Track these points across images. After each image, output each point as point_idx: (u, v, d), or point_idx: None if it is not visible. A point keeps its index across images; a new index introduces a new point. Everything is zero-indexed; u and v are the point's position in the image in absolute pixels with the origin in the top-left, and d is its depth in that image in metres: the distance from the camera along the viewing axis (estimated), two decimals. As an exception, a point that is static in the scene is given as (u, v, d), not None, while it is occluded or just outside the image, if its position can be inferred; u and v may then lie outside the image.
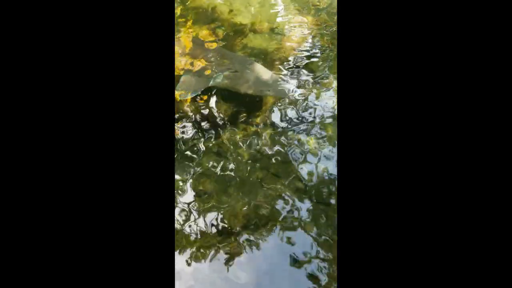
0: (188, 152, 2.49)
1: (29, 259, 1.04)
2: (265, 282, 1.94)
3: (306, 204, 2.24)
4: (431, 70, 1.08)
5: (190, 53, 2.93)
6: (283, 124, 2.67)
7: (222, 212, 2.20)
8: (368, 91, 1.12)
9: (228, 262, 2.01)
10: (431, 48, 1.09)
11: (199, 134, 2.60)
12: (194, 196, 2.28)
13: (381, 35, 1.12)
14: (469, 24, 1.07)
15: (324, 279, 1.95)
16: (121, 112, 1.13)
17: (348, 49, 1.15)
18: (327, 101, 2.78)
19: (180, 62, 2.86)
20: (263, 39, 3.30)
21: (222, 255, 2.04)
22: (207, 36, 3.19)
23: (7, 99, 1.07)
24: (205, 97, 2.78)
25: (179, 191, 2.30)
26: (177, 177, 2.35)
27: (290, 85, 2.89)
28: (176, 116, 2.66)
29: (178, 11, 3.43)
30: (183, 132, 2.59)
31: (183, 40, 3.05)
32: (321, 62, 3.11)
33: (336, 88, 2.84)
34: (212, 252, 2.04)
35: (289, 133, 2.60)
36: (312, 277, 1.96)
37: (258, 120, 2.71)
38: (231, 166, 2.43)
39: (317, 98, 2.82)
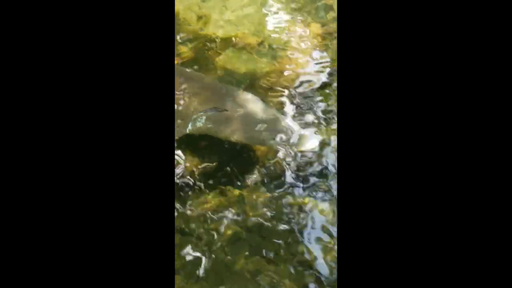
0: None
1: (29, 259, 1.07)
2: None
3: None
4: (431, 72, 1.10)
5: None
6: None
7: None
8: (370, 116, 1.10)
9: None
10: (431, 49, 1.10)
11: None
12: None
13: (382, 37, 1.12)
14: (469, 25, 1.09)
15: None
16: (121, 112, 1.15)
17: (348, 52, 1.13)
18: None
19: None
20: (248, 58, 2.54)
21: None
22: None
23: (6, 99, 1.10)
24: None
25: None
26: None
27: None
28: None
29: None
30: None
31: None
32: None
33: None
34: None
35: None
36: None
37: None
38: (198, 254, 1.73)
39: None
